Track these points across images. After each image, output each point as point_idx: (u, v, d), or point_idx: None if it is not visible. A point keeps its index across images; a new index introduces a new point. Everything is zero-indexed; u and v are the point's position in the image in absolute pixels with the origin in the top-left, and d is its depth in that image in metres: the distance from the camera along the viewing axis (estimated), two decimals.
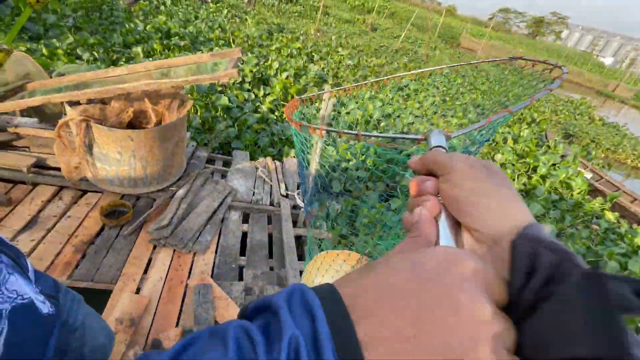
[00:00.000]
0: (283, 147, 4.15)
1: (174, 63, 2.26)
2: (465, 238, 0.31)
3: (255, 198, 2.87)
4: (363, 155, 4.01)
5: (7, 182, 2.31)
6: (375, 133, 0.62)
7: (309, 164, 2.05)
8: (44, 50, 4.54)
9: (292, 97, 5.53)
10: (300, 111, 1.26)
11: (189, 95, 4.53)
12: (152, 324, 1.74)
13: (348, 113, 5.21)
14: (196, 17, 9.15)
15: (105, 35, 5.84)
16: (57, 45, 4.88)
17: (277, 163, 3.46)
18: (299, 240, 2.69)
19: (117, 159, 2.16)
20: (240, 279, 2.14)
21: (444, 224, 0.32)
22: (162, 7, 9.05)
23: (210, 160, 3.31)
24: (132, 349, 1.57)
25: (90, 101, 2.11)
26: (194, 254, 2.18)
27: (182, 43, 6.45)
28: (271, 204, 2.89)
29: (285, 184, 3.15)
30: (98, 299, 1.57)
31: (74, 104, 2.04)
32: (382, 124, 5.43)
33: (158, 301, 1.87)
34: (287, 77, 6.03)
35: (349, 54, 9.91)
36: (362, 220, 2.85)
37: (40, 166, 2.39)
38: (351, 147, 4.06)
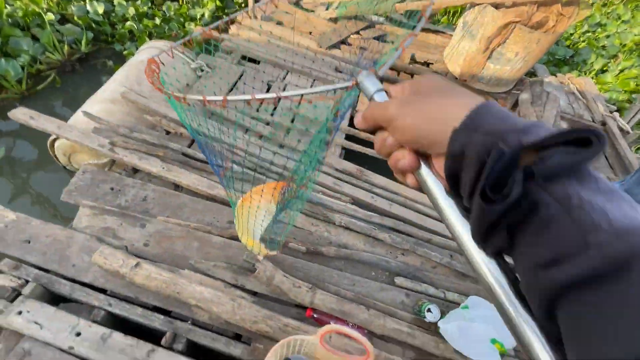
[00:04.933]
0: None
1: None
2: (435, 162, 0.32)
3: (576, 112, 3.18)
4: None
5: None
6: (289, 92, 0.37)
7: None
8: None
9: None
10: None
11: None
12: None
13: None
14: None
15: None
16: None
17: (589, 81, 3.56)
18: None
19: (509, 59, 2.75)
20: None
21: (426, 169, 0.32)
22: None
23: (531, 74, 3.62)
24: None
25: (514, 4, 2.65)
26: None
27: None
28: (592, 120, 3.15)
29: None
30: None
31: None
32: None
33: None
34: None
35: None
36: None
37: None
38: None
